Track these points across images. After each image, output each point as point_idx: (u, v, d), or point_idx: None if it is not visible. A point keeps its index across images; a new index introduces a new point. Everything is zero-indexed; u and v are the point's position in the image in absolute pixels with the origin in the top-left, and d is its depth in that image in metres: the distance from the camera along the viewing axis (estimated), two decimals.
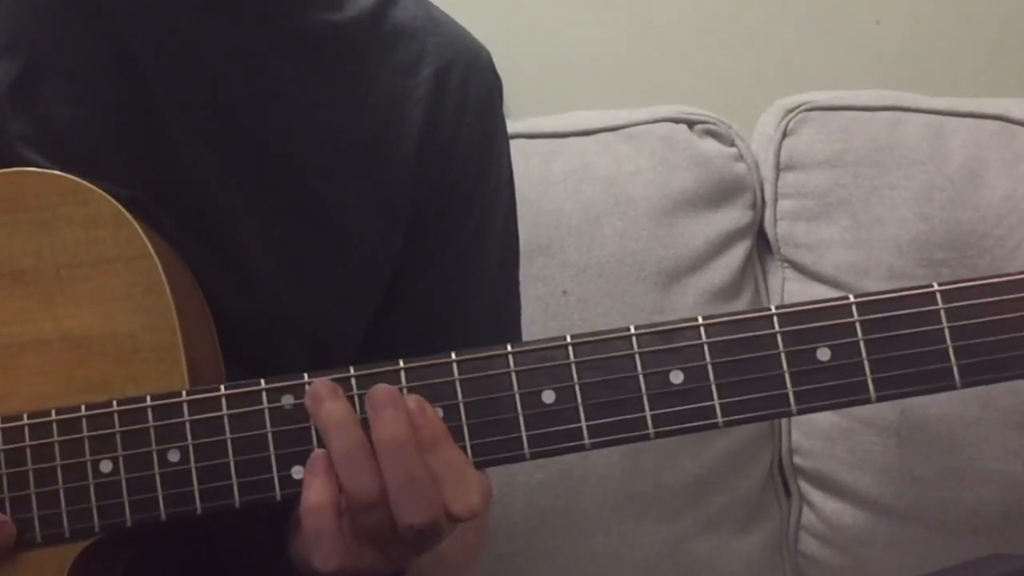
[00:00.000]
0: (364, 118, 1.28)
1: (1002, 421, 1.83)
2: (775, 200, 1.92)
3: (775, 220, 1.92)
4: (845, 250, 1.87)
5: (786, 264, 1.92)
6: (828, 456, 1.88)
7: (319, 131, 1.26)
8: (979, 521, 1.84)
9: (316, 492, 1.02)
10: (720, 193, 1.90)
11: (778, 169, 1.91)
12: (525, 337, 1.37)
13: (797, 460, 1.91)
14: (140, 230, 1.11)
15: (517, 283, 1.41)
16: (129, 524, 1.06)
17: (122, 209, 1.11)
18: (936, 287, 0.99)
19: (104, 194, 1.11)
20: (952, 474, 1.84)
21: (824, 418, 1.87)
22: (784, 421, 1.91)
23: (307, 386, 1.04)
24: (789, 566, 1.93)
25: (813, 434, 1.88)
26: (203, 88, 1.23)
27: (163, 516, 1.05)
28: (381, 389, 1.03)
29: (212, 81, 1.23)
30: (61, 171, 1.14)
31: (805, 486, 1.91)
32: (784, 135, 1.92)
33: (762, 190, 1.93)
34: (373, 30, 1.31)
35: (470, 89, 1.34)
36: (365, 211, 1.27)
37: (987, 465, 1.83)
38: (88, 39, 1.21)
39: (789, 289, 1.91)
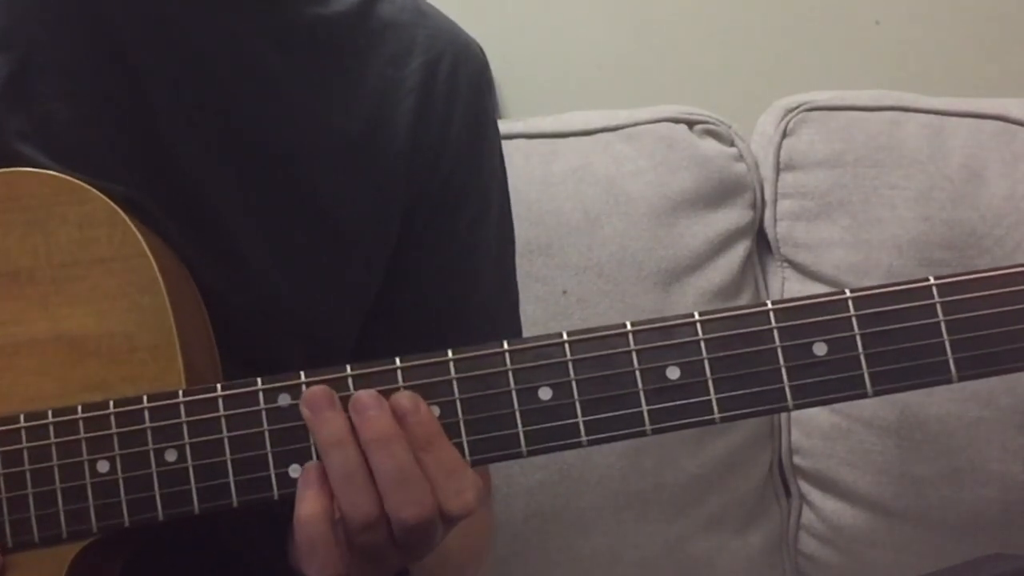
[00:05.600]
0: (355, 110, 1.28)
1: (1002, 421, 1.82)
2: (775, 200, 1.92)
3: (775, 220, 1.92)
4: (845, 250, 1.86)
5: (786, 264, 1.91)
6: (828, 456, 1.88)
7: (312, 124, 1.26)
8: (979, 521, 1.84)
9: (309, 503, 1.02)
10: (720, 193, 1.90)
11: (778, 169, 1.91)
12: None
13: (797, 460, 1.91)
14: (135, 229, 1.10)
15: (514, 271, 1.41)
16: (127, 524, 1.05)
17: (117, 208, 1.11)
18: (932, 281, 0.98)
19: (99, 193, 1.11)
20: (952, 474, 1.84)
21: (824, 418, 1.87)
22: (784, 421, 1.91)
23: (303, 387, 1.04)
24: (789, 566, 1.93)
25: (813, 434, 1.88)
26: (196, 82, 1.23)
27: (160, 516, 1.05)
28: (362, 394, 1.03)
29: (205, 75, 1.23)
30: (58, 166, 1.14)
31: (805, 486, 1.91)
32: (784, 135, 1.91)
33: (762, 190, 1.93)
34: (361, 23, 1.31)
35: (460, 79, 1.34)
36: (359, 203, 1.27)
37: (987, 465, 1.83)
38: (81, 34, 1.21)
39: (789, 289, 1.90)
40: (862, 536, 1.88)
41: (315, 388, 1.03)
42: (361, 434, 1.02)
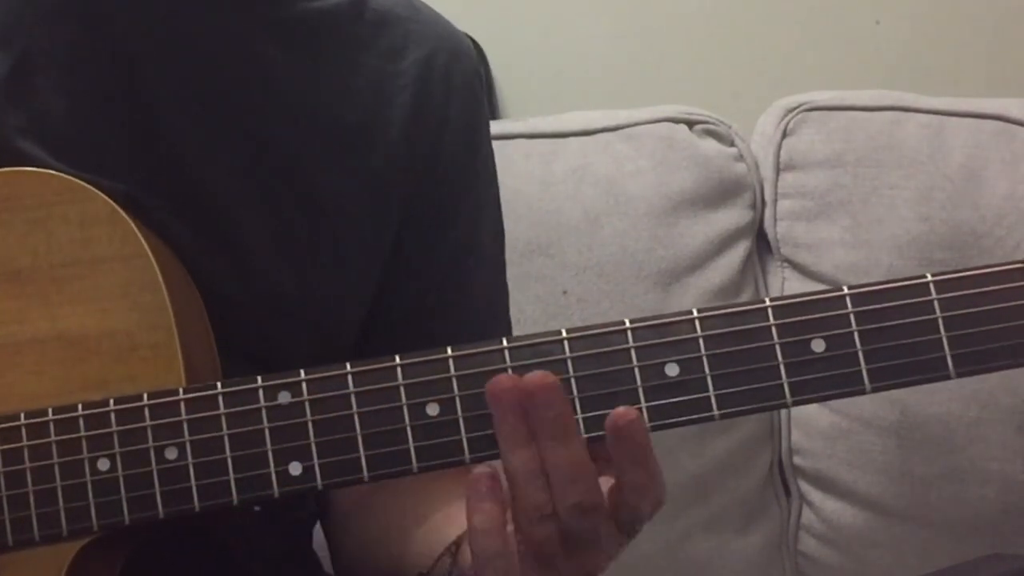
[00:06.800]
0: (351, 103, 1.28)
1: (1002, 421, 1.82)
2: (775, 200, 1.92)
3: (775, 220, 1.92)
4: (845, 250, 1.87)
5: (786, 264, 1.92)
6: (828, 456, 1.88)
7: (309, 115, 1.26)
8: (979, 521, 1.84)
9: (483, 516, 0.99)
10: (720, 193, 1.90)
11: (778, 169, 1.92)
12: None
13: (797, 460, 1.91)
14: (135, 228, 1.10)
15: (505, 268, 1.41)
16: (127, 522, 1.05)
17: (117, 208, 1.11)
18: (929, 278, 0.98)
19: (99, 193, 1.11)
20: (952, 474, 1.84)
21: (824, 418, 1.87)
22: (784, 421, 1.91)
23: (304, 385, 1.04)
24: (789, 566, 1.93)
25: (813, 434, 1.88)
26: (195, 77, 1.23)
27: (161, 514, 1.05)
28: (536, 376, 0.98)
29: (204, 70, 1.23)
30: (57, 162, 1.14)
31: (805, 486, 1.91)
32: (784, 135, 1.92)
33: (762, 190, 1.93)
34: (356, 16, 1.31)
35: (455, 76, 1.34)
36: (356, 195, 1.27)
37: (987, 465, 1.83)
38: (81, 30, 1.21)
39: (789, 289, 1.90)
40: (862, 536, 1.88)
41: (505, 383, 0.99)
42: (532, 416, 0.98)
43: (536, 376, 0.98)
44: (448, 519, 1.20)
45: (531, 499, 0.98)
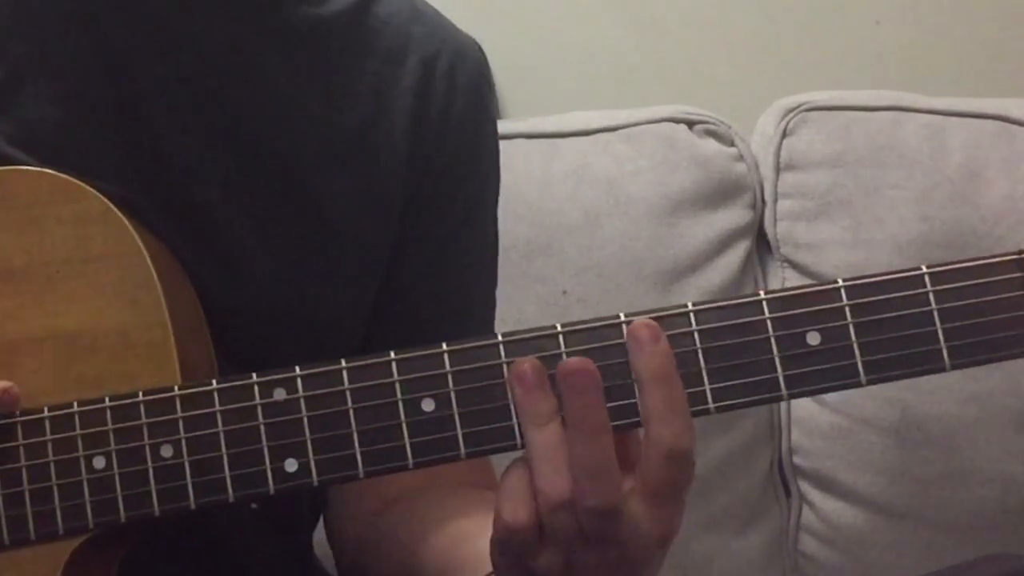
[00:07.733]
0: (352, 108, 1.28)
1: (1002, 421, 1.83)
2: (775, 200, 1.92)
3: (775, 220, 1.92)
4: (845, 250, 1.87)
5: (786, 264, 1.92)
6: (828, 456, 1.88)
7: (308, 123, 1.26)
8: (979, 521, 1.85)
9: (512, 476, 1.00)
10: (720, 193, 1.90)
11: (778, 169, 1.92)
12: None
13: (797, 460, 1.91)
14: (130, 227, 1.10)
15: (496, 276, 1.40)
16: (123, 520, 1.05)
17: (112, 206, 1.10)
18: (924, 269, 0.98)
19: (94, 191, 1.11)
20: (952, 474, 1.84)
21: (824, 418, 1.87)
22: (784, 421, 1.91)
23: (299, 380, 1.03)
24: (789, 566, 1.93)
25: (813, 434, 1.88)
26: (190, 83, 1.22)
27: (156, 512, 1.04)
28: (574, 366, 0.98)
29: (199, 76, 1.22)
30: (48, 168, 1.13)
31: (805, 486, 1.91)
32: (784, 135, 1.92)
33: (762, 190, 1.93)
34: (357, 22, 1.31)
35: (458, 76, 1.33)
36: (357, 201, 1.26)
37: (987, 465, 1.83)
38: (73, 38, 1.20)
39: None
40: (862, 536, 1.88)
41: (526, 364, 0.99)
42: (569, 416, 0.98)
43: (577, 360, 0.98)
44: (466, 533, 1.20)
45: (547, 480, 0.97)
